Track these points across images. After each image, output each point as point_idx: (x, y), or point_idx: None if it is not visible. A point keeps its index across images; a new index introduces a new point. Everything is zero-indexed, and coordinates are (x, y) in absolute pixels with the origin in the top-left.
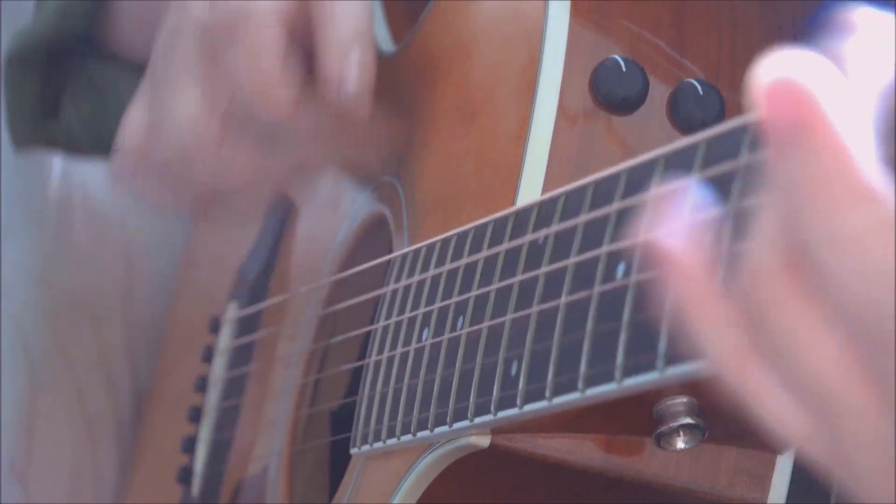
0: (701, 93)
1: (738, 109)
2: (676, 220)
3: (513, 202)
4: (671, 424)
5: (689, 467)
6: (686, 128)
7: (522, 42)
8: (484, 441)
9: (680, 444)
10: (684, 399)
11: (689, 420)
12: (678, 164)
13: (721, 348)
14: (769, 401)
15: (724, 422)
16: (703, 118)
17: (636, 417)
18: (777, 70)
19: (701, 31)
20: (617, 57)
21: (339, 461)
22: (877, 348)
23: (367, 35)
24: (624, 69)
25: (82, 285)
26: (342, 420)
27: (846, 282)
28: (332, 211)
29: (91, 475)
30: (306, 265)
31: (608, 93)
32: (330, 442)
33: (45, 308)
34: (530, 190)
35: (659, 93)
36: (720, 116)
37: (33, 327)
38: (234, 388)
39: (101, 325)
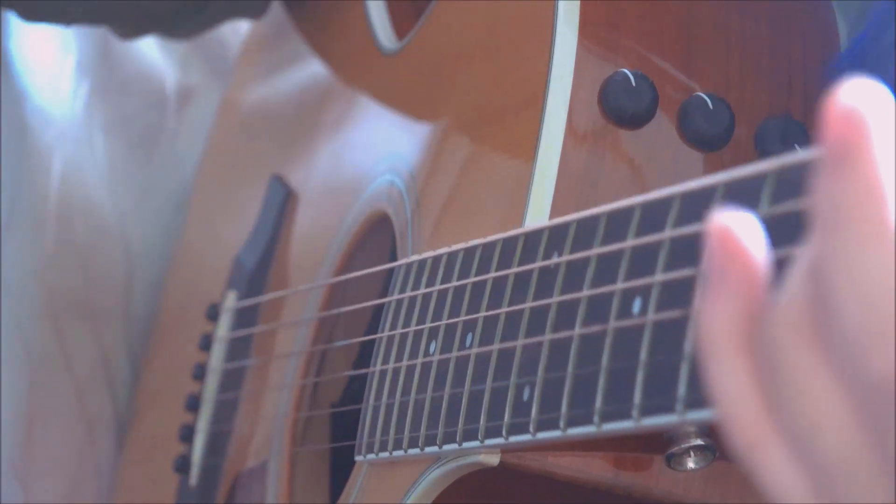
0: (710, 106)
1: (748, 123)
2: (716, 264)
3: (521, 217)
4: (682, 445)
5: (699, 484)
6: (696, 142)
7: (530, 53)
8: (493, 459)
9: (691, 464)
10: None
11: (700, 441)
12: (694, 204)
13: (733, 401)
14: (774, 465)
15: None
16: (713, 132)
17: (650, 437)
18: (849, 96)
19: (710, 44)
20: (626, 71)
21: (339, 460)
22: (880, 415)
23: None
24: (633, 83)
25: (82, 285)
26: (342, 420)
27: (856, 333)
28: (334, 201)
29: (91, 475)
30: (307, 257)
31: (617, 107)
32: (330, 438)
33: (45, 308)
34: (539, 205)
35: (668, 106)
36: (730, 130)
37: (33, 327)
38: (232, 380)
39: (101, 324)
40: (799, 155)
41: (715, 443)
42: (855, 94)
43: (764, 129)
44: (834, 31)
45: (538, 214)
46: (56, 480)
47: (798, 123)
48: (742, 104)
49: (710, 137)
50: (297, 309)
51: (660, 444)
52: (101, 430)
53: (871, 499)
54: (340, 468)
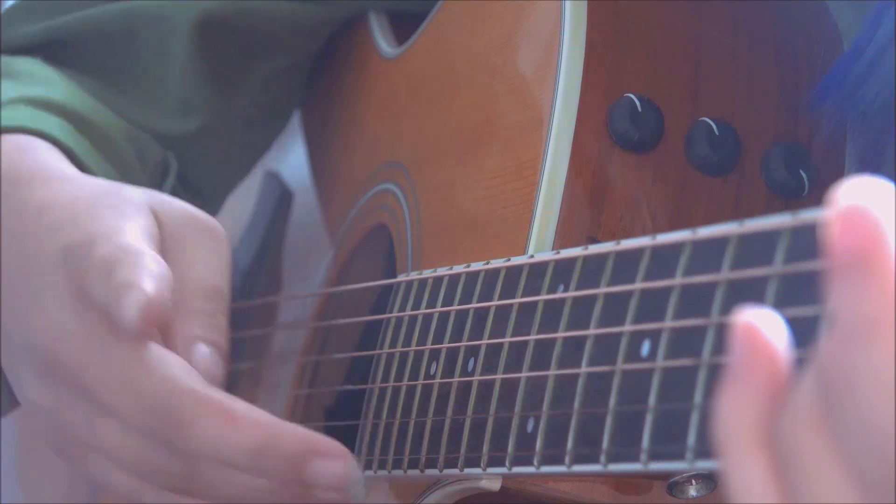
0: (716, 132)
1: (754, 149)
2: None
3: (525, 240)
4: (684, 474)
5: None
6: (702, 167)
7: (537, 72)
8: (495, 485)
9: (692, 492)
10: None
11: (702, 471)
12: (707, 252)
13: (750, 492)
14: None
15: None
16: (719, 158)
17: None
18: (853, 196)
19: (717, 69)
20: (632, 96)
21: None
22: None
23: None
24: (639, 108)
25: None
26: (336, 431)
27: (865, 429)
28: (332, 206)
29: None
30: (303, 259)
31: (624, 132)
32: None
33: None
34: (544, 229)
35: (674, 132)
36: (735, 155)
37: None
38: (225, 382)
39: None
40: (815, 214)
41: (717, 472)
42: (861, 193)
43: (770, 154)
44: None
45: (542, 237)
46: (56, 480)
47: (804, 149)
48: (749, 130)
49: (715, 163)
50: (293, 312)
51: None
52: None
53: None
54: None
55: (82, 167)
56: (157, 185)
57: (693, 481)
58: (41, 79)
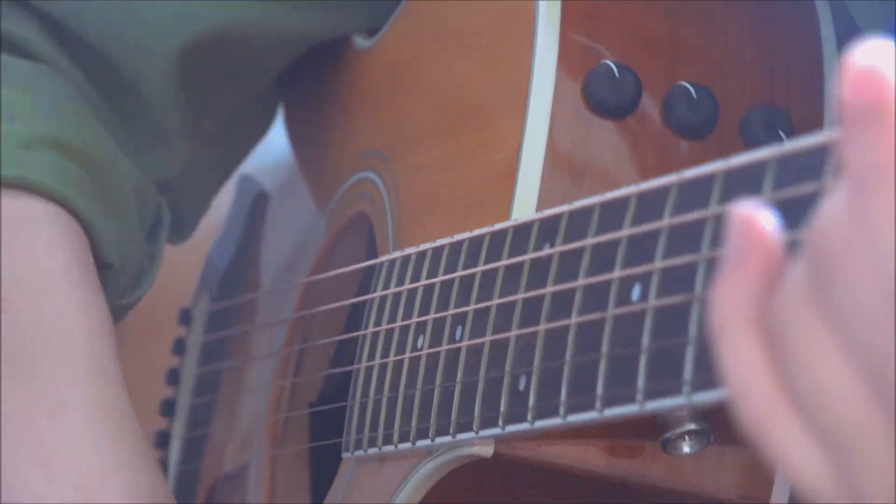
0: (694, 95)
1: (732, 112)
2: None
3: (508, 210)
4: (677, 430)
5: (692, 470)
6: (681, 131)
7: (512, 47)
8: (487, 450)
9: (686, 448)
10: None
11: (694, 426)
12: (694, 192)
13: (745, 377)
14: (787, 439)
15: (729, 425)
16: (697, 120)
17: (642, 423)
18: (869, 56)
19: (693, 34)
20: (609, 62)
21: (319, 460)
22: (882, 376)
23: None
24: (617, 75)
25: None
26: (321, 420)
27: (862, 294)
28: (307, 201)
29: None
30: (282, 255)
31: (601, 99)
32: (310, 438)
33: None
34: (526, 198)
35: (652, 96)
36: (713, 118)
37: None
38: (207, 384)
39: None
40: (799, 142)
41: (709, 426)
42: (872, 53)
43: (748, 117)
44: (815, 26)
45: (525, 207)
46: None
47: (782, 112)
48: (726, 93)
49: (694, 126)
50: (273, 309)
51: (653, 430)
52: None
53: (883, 476)
54: (321, 468)
55: (87, 225)
56: (152, 237)
57: (686, 437)
58: (48, 102)
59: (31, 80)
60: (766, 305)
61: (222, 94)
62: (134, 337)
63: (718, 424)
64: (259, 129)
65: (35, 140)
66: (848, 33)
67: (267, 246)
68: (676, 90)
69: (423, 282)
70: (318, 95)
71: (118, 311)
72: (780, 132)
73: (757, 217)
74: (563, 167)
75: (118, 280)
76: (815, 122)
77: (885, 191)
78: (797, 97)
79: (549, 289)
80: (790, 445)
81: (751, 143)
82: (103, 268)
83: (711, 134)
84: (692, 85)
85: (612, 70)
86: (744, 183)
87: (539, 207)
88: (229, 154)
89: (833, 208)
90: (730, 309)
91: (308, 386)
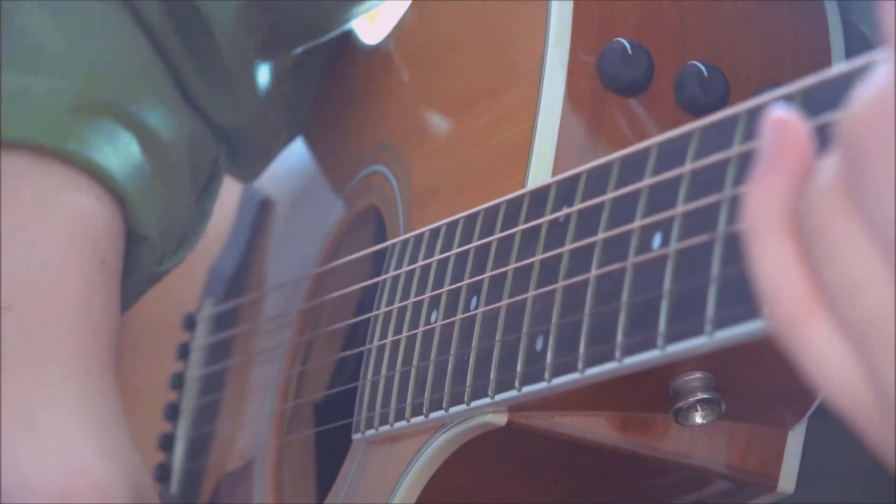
0: (706, 74)
1: (742, 92)
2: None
3: (523, 183)
4: (689, 399)
5: (703, 445)
6: (691, 110)
7: (526, 26)
8: (501, 419)
9: (698, 418)
10: (700, 374)
11: (706, 395)
12: (716, 135)
13: (776, 277)
14: (817, 338)
15: (740, 396)
16: (709, 99)
17: (654, 393)
18: None
19: (703, 15)
20: (623, 40)
21: (325, 450)
22: None
23: None
24: (630, 52)
25: None
26: (326, 410)
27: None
28: (313, 205)
29: None
30: (284, 261)
31: (615, 76)
32: (316, 432)
33: None
34: (541, 171)
35: (664, 75)
36: (724, 99)
37: None
38: (212, 384)
39: None
40: (823, 75)
41: (721, 396)
42: None
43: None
44: (821, 8)
45: (540, 179)
46: None
47: None
48: (735, 74)
49: (705, 104)
50: (280, 307)
51: (666, 401)
52: None
53: None
54: (327, 458)
55: (125, 201)
56: (204, 194)
57: (699, 407)
58: (111, 53)
59: (94, 25)
60: (797, 204)
61: (284, 43)
62: (140, 343)
63: (730, 394)
64: (317, 84)
65: (87, 104)
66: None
67: (272, 253)
68: (688, 69)
69: (437, 256)
70: (330, 92)
71: (153, 277)
72: None
73: (791, 119)
74: (577, 141)
75: (154, 250)
76: None
77: None
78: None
79: (568, 247)
80: (820, 346)
81: None
82: (137, 240)
83: None
84: (704, 64)
85: (626, 47)
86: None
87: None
88: (296, 106)
89: (867, 96)
90: (762, 208)
91: (315, 377)
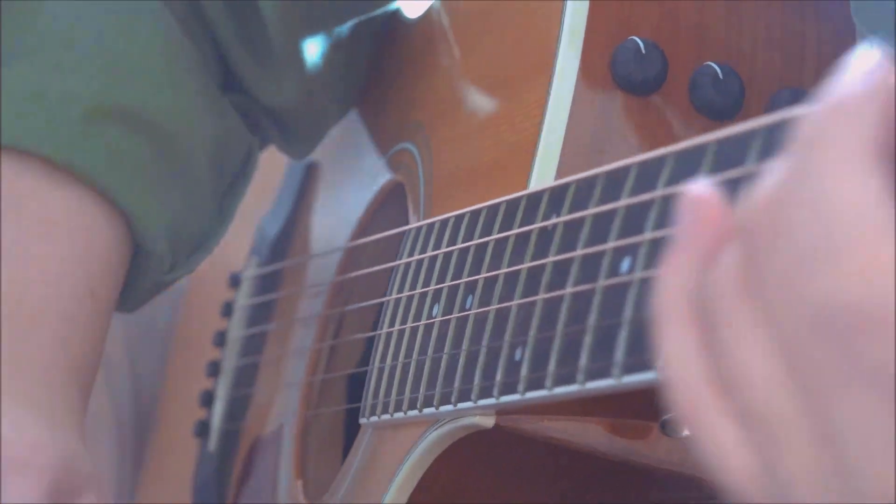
0: (721, 76)
1: (759, 94)
2: (684, 220)
3: (526, 181)
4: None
5: (693, 452)
6: (706, 111)
7: (542, 20)
8: (489, 421)
9: (686, 430)
10: None
11: None
12: (687, 163)
13: (677, 362)
14: (716, 429)
15: None
16: (723, 102)
17: (642, 403)
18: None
19: (724, 14)
20: (636, 38)
21: (354, 427)
22: (802, 360)
23: None
24: (643, 51)
25: None
26: (358, 387)
27: (805, 254)
28: (354, 173)
29: None
30: (326, 226)
31: (627, 74)
32: (346, 409)
33: None
34: (545, 169)
35: (679, 75)
36: (739, 101)
37: None
38: (252, 345)
39: None
40: (786, 113)
41: None
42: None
43: (775, 100)
44: (847, 10)
45: (543, 179)
46: None
47: (809, 95)
48: (753, 75)
49: (719, 107)
50: (318, 274)
51: (655, 410)
52: (101, 429)
53: (803, 467)
54: (354, 437)
55: (130, 216)
56: (230, 192)
57: None
58: (137, 54)
59: (123, 18)
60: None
61: (331, 20)
62: (191, 303)
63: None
64: (367, 61)
65: (103, 110)
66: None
67: (316, 216)
68: (703, 70)
69: (443, 249)
70: (379, 61)
71: (162, 285)
72: None
73: (706, 197)
74: (584, 140)
75: (162, 262)
76: None
77: (818, 157)
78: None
79: (550, 259)
80: (719, 436)
81: None
82: (145, 253)
83: (737, 115)
84: (719, 66)
85: (639, 46)
86: (733, 153)
87: (558, 179)
88: (345, 83)
89: (766, 189)
90: (670, 292)
91: (348, 353)
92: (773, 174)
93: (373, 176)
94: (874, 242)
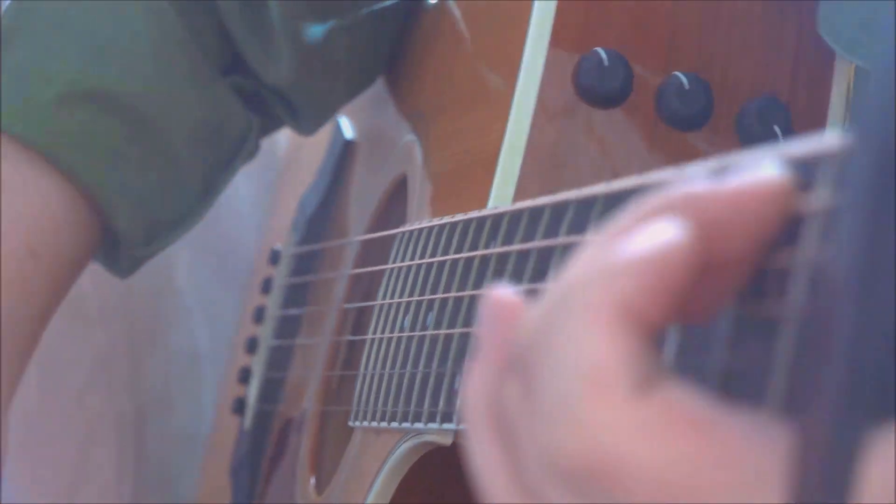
0: (687, 87)
1: (729, 103)
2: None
3: (487, 194)
4: None
5: None
6: (672, 122)
7: (513, 29)
8: (447, 439)
9: None
10: None
11: None
12: (585, 210)
13: (484, 470)
14: None
15: None
16: (688, 112)
17: None
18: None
19: (697, 22)
20: (600, 50)
21: None
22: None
23: None
24: (607, 63)
25: (82, 284)
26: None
27: (543, 413)
28: (379, 154)
29: (91, 475)
30: (361, 209)
31: (590, 86)
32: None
33: None
34: (505, 182)
35: (644, 86)
36: (707, 110)
37: None
38: (287, 327)
39: (102, 323)
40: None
41: None
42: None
43: (746, 109)
44: None
45: (503, 193)
46: (56, 480)
47: (782, 105)
48: (725, 84)
49: (685, 118)
50: (346, 266)
51: None
52: (102, 430)
53: None
54: None
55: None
56: (227, 169)
57: None
58: (124, 36)
59: (117, 7)
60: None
61: (333, 5)
62: (252, 278)
63: None
64: (383, 41)
65: (77, 93)
66: None
67: (353, 197)
68: (670, 80)
69: (416, 260)
70: (403, 42)
71: (140, 258)
72: (776, 127)
73: (507, 301)
74: (545, 154)
75: (130, 236)
76: (817, 118)
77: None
78: (802, 91)
79: (468, 292)
80: None
81: (745, 136)
82: (111, 232)
83: (705, 126)
84: (687, 76)
85: (602, 58)
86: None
87: (518, 194)
88: (356, 64)
89: (534, 316)
90: (473, 399)
91: (360, 349)
92: (538, 305)
93: (392, 163)
94: (603, 402)
